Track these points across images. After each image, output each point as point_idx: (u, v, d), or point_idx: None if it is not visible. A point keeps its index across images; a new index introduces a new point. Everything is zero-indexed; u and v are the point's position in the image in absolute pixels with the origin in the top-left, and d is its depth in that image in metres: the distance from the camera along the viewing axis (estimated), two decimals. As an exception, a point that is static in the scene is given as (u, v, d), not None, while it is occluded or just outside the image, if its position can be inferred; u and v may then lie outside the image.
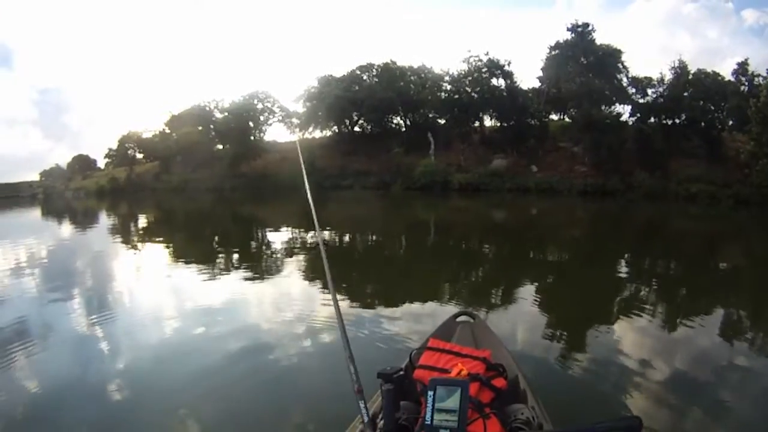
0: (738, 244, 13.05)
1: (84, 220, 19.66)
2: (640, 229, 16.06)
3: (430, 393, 1.21)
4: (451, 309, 4.71)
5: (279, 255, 9.40)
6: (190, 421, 2.92)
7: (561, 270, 8.47)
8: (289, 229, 13.84)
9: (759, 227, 17.95)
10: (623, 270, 8.47)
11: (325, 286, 5.97)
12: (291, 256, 9.18)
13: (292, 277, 7.26)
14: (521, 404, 1.69)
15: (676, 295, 6.63)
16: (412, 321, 4.77)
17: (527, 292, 6.45)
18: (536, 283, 7.03)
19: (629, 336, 4.53)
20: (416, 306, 5.48)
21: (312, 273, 7.23)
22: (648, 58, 67.49)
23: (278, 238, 12.44)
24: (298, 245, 10.66)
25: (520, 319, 5.05)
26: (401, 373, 1.37)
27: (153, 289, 6.50)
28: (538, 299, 6.02)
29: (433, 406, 1.20)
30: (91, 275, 7.72)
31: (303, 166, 3.07)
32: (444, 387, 1.22)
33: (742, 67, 32.20)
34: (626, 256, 9.92)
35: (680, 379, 3.55)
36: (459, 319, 2.68)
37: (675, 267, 9.09)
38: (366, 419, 1.27)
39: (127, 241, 12.41)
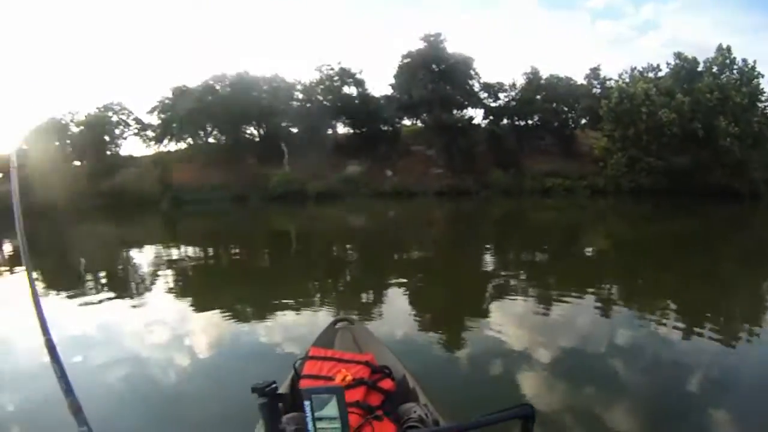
0: (595, 228, 13.90)
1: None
2: (498, 222, 16.88)
3: (307, 403, 1.18)
4: (327, 316, 4.72)
5: (143, 274, 8.89)
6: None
7: (428, 267, 8.53)
8: (152, 246, 13.00)
9: (613, 213, 19.67)
10: (489, 261, 8.67)
11: (195, 305, 6.01)
12: (156, 275, 8.68)
13: (160, 296, 6.78)
14: (413, 403, 1.70)
15: (545, 279, 6.86)
16: (290, 332, 4.60)
17: (400, 291, 6.49)
18: (407, 283, 7.03)
19: (507, 323, 4.65)
20: (291, 317, 5.28)
21: (181, 291, 7.08)
22: (504, 67, 71.80)
23: (140, 257, 11.57)
24: (163, 263, 10.03)
25: (399, 319, 5.01)
26: (274, 385, 1.32)
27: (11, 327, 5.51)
28: (412, 298, 6.07)
29: (312, 415, 1.17)
30: None
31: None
32: (320, 395, 1.18)
33: (594, 72, 34.96)
34: (489, 247, 10.24)
35: (563, 359, 3.63)
36: (338, 325, 2.64)
37: (538, 253, 9.43)
38: None
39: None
